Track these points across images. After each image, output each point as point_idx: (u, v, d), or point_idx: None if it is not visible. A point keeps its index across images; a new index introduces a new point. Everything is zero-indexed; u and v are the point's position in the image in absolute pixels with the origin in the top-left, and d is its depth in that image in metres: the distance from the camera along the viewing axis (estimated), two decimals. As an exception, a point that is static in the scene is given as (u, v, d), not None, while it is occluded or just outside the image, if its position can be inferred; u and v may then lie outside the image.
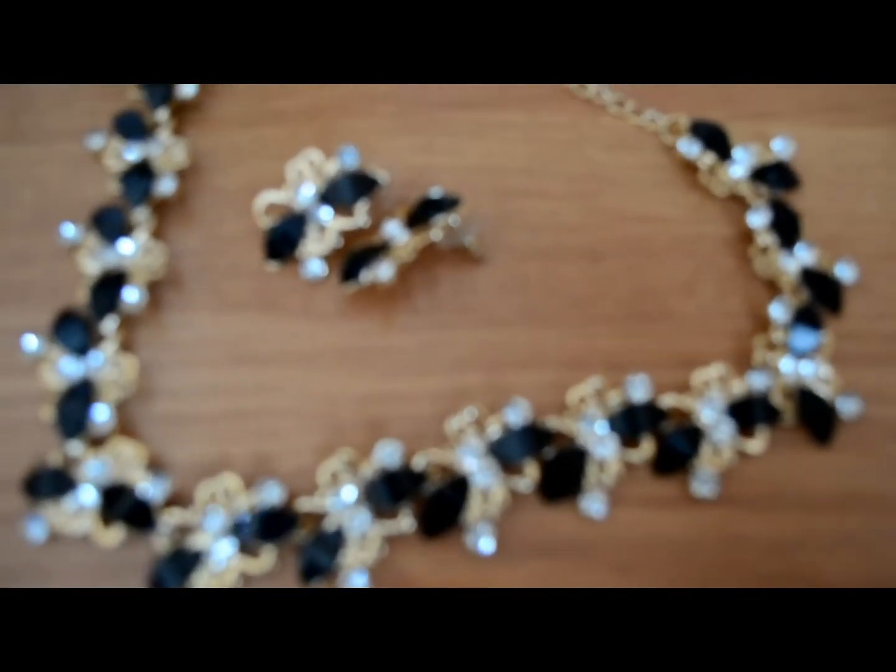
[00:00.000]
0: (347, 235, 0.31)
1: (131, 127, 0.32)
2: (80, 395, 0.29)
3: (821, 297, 0.32)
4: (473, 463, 0.28)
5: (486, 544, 0.28)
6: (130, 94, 0.34)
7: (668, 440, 0.30)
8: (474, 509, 0.28)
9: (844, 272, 0.33)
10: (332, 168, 0.31)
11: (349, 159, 0.31)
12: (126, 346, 0.30)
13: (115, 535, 0.27)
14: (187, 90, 0.33)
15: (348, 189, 0.30)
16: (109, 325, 0.30)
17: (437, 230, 0.30)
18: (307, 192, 0.31)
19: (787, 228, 0.33)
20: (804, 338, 0.31)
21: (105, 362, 0.29)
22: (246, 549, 0.27)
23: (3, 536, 0.28)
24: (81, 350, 0.29)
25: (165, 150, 0.32)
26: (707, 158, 0.34)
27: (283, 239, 0.31)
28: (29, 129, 0.34)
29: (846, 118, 0.36)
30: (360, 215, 0.30)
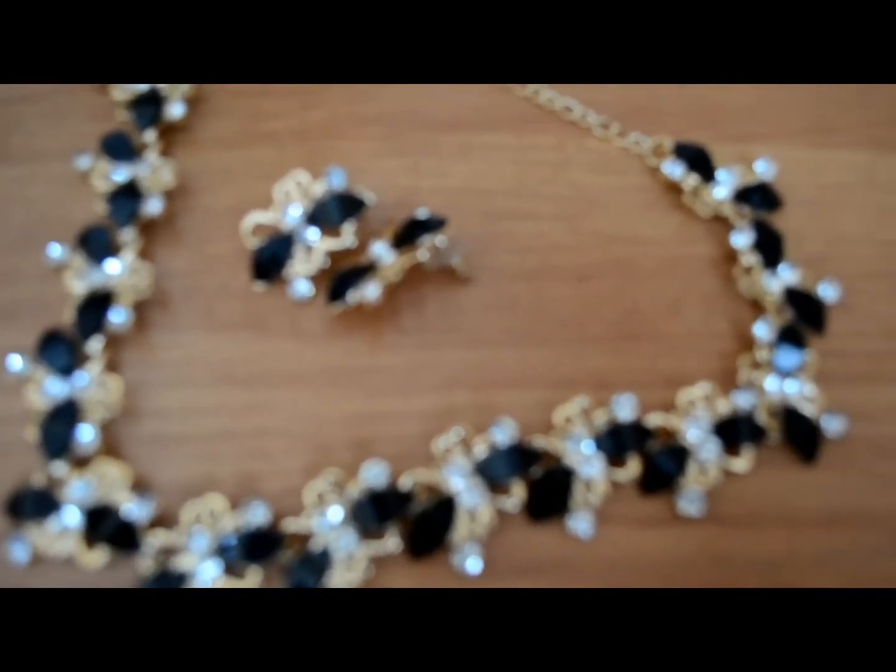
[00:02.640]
0: (334, 256, 0.31)
1: (119, 148, 0.33)
2: (64, 415, 0.29)
3: (804, 317, 0.32)
4: (460, 483, 0.28)
5: (473, 564, 0.28)
6: (118, 116, 0.34)
7: (654, 459, 0.30)
8: (461, 529, 0.28)
9: (827, 292, 0.33)
10: (320, 189, 0.31)
11: (336, 180, 0.31)
12: (112, 366, 0.30)
13: (99, 556, 0.27)
14: (176, 111, 0.33)
15: (335, 210, 0.31)
16: (95, 345, 0.30)
17: (423, 250, 0.30)
18: (294, 213, 0.31)
19: (770, 249, 0.33)
20: (788, 357, 0.31)
21: (90, 382, 0.29)
22: (231, 570, 0.27)
23: (-16, 557, 0.28)
24: (67, 370, 0.29)
25: (153, 170, 0.32)
26: (691, 180, 0.34)
27: (271, 259, 0.31)
28: (18, 149, 0.34)
29: (827, 140, 0.37)
30: (347, 236, 0.31)
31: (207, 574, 0.27)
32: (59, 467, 0.28)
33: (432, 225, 0.31)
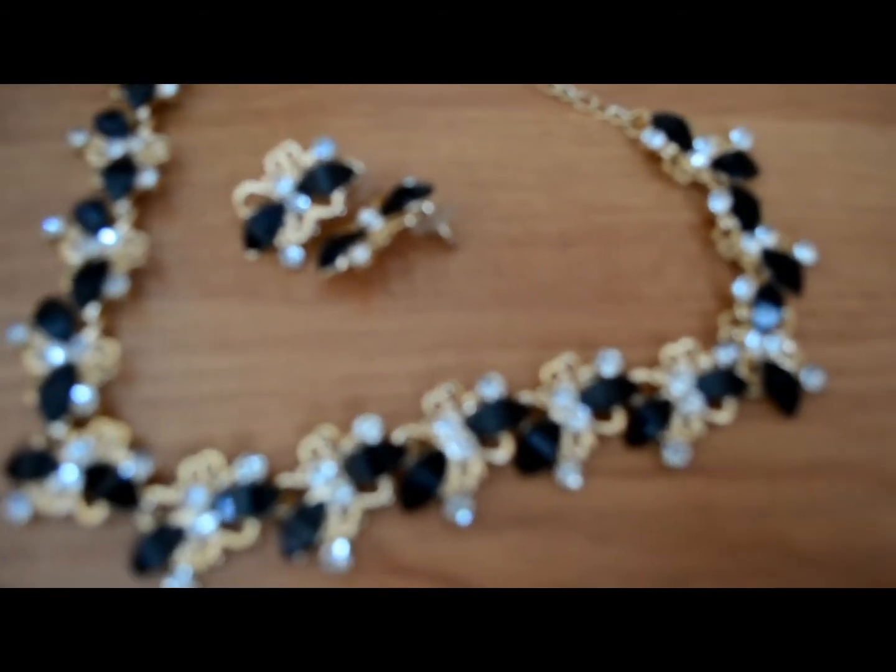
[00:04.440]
0: (324, 224, 0.32)
1: (113, 125, 0.33)
2: (63, 379, 0.29)
3: (782, 277, 0.33)
4: (451, 436, 0.29)
5: (463, 516, 0.28)
6: (112, 94, 0.35)
7: (638, 412, 0.30)
8: (452, 482, 0.29)
9: (804, 254, 0.34)
10: (309, 159, 0.32)
11: (325, 150, 0.32)
12: (108, 332, 0.31)
13: (98, 513, 0.28)
14: (167, 89, 0.34)
15: (325, 178, 0.32)
16: (91, 311, 0.30)
17: (411, 216, 0.31)
18: (285, 182, 0.32)
19: (747, 212, 0.34)
20: (767, 314, 0.32)
21: (87, 347, 0.30)
22: (228, 525, 0.28)
23: (-15, 518, 0.28)
24: (64, 336, 0.30)
25: (146, 145, 0.33)
26: (669, 149, 0.35)
27: (263, 228, 0.32)
28: (12, 129, 0.34)
29: (800, 112, 0.38)
30: (337, 204, 0.32)
31: (205, 528, 0.27)
32: (58, 428, 0.29)
33: (419, 192, 0.32)
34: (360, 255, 0.30)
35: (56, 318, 0.30)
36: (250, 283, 0.32)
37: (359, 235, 0.31)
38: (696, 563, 0.29)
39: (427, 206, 0.31)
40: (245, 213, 0.32)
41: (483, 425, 0.30)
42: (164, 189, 0.33)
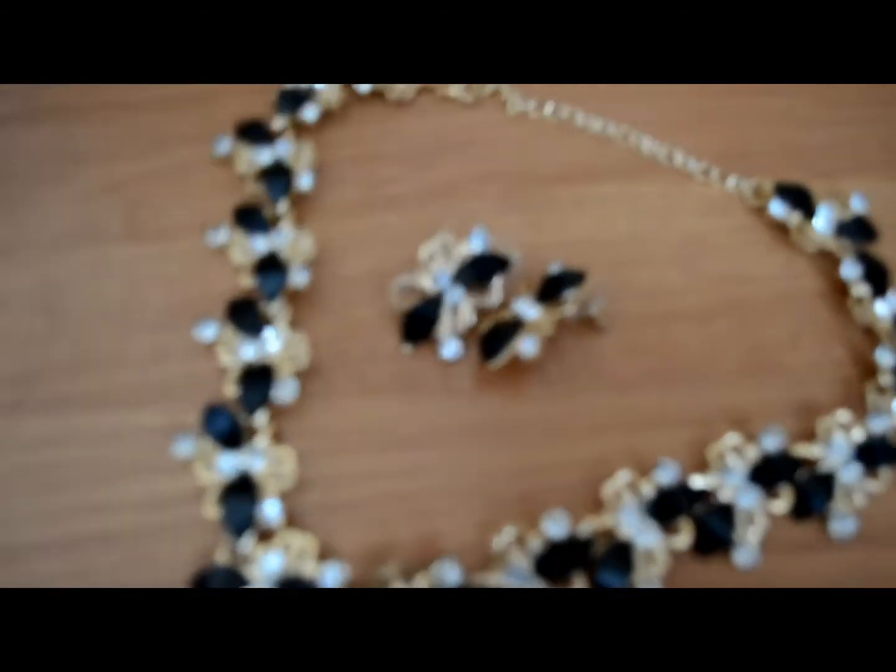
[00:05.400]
0: (480, 314, 0.32)
1: (253, 220, 0.33)
2: (244, 491, 0.29)
3: (917, 340, 0.34)
4: (634, 525, 0.29)
5: (653, 604, 0.29)
6: (247, 189, 0.35)
7: (804, 487, 0.31)
8: (640, 572, 0.29)
9: (932, 313, 0.35)
10: (464, 249, 0.32)
11: (480, 240, 0.32)
12: (276, 437, 0.30)
13: (296, 629, 0.27)
14: (304, 182, 0.34)
15: (482, 269, 0.32)
16: (261, 418, 0.30)
17: (571, 305, 0.31)
18: (442, 274, 0.32)
19: (877, 278, 0.35)
20: (912, 380, 0.33)
21: (262, 454, 0.29)
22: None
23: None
24: (235, 444, 0.30)
25: (293, 241, 0.33)
26: (794, 218, 0.36)
27: (420, 321, 0.32)
28: (148, 227, 0.34)
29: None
30: (496, 293, 0.32)
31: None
32: (246, 543, 0.28)
33: (573, 279, 0.32)
34: (528, 347, 0.30)
35: (224, 426, 0.30)
36: (410, 378, 0.32)
37: (517, 325, 0.31)
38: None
39: (586, 292, 0.31)
40: (401, 304, 0.32)
41: (664, 512, 0.30)
42: (312, 285, 0.33)
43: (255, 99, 0.37)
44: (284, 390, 0.30)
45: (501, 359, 0.31)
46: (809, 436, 0.32)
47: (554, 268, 0.33)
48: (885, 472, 0.32)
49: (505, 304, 0.33)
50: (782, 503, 0.31)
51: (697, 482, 0.31)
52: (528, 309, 0.32)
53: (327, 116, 0.37)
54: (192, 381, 0.31)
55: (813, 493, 0.31)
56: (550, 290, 0.32)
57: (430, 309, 0.32)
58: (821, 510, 0.31)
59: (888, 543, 0.31)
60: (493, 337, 0.31)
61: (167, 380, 0.31)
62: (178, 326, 0.32)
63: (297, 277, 0.32)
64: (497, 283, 0.32)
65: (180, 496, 0.30)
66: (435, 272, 0.32)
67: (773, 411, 0.33)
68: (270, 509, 0.29)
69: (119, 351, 0.32)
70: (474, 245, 0.32)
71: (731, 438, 0.31)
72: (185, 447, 0.30)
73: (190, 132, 0.36)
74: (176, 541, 0.29)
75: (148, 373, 0.31)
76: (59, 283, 0.33)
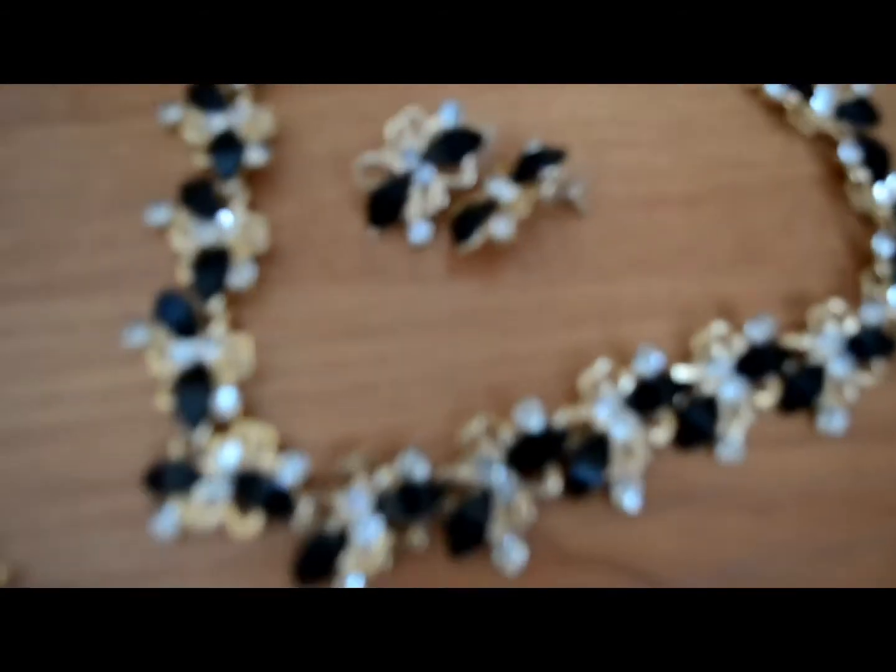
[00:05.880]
0: (451, 195, 0.30)
1: (207, 96, 0.31)
2: (198, 381, 0.27)
3: (917, 228, 0.32)
4: (612, 418, 0.28)
5: (631, 501, 0.27)
6: (202, 64, 0.32)
7: (793, 380, 0.29)
8: (617, 465, 0.28)
9: (936, 200, 0.33)
10: (434, 125, 0.30)
11: (451, 116, 0.30)
12: (235, 325, 0.29)
13: (253, 524, 0.26)
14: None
15: (454, 146, 0.29)
16: (217, 304, 0.28)
17: (549, 184, 0.29)
18: (410, 152, 0.29)
19: (877, 162, 0.33)
20: (910, 269, 0.31)
21: (218, 343, 0.28)
22: (394, 526, 0.26)
23: (131, 537, 0.26)
24: (190, 333, 0.28)
25: (250, 118, 0.30)
26: (792, 98, 0.34)
27: (387, 202, 0.30)
28: (95, 105, 0.32)
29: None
30: (468, 172, 0.29)
31: (370, 531, 0.26)
32: (201, 435, 0.27)
33: (552, 157, 0.30)
34: (502, 228, 0.28)
35: (178, 314, 0.28)
36: (377, 263, 0.30)
37: (491, 206, 0.29)
38: (862, 531, 0.28)
39: (562, 172, 0.29)
40: (366, 185, 0.30)
41: (643, 404, 0.28)
42: (271, 164, 0.31)
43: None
44: (241, 275, 0.28)
45: (474, 242, 0.29)
46: (800, 327, 0.31)
47: (532, 146, 0.31)
48: (878, 365, 0.30)
49: (479, 185, 0.30)
50: (769, 396, 0.29)
51: (680, 373, 0.29)
52: (503, 189, 0.30)
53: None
54: (144, 268, 0.29)
55: (802, 385, 0.30)
56: (527, 169, 0.30)
57: (398, 189, 0.30)
58: (809, 404, 0.29)
59: (879, 439, 0.29)
60: (466, 219, 0.29)
61: (118, 266, 0.29)
62: (128, 210, 0.30)
63: (255, 155, 0.30)
64: (470, 162, 0.30)
65: (133, 387, 0.28)
66: (403, 149, 0.30)
67: (762, 301, 0.31)
68: (226, 399, 0.27)
69: (66, 237, 0.30)
70: (445, 120, 0.30)
71: (718, 328, 0.30)
72: (137, 336, 0.28)
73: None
74: (129, 434, 0.27)
75: (97, 259, 0.29)
76: (1, 167, 0.31)
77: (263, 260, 0.29)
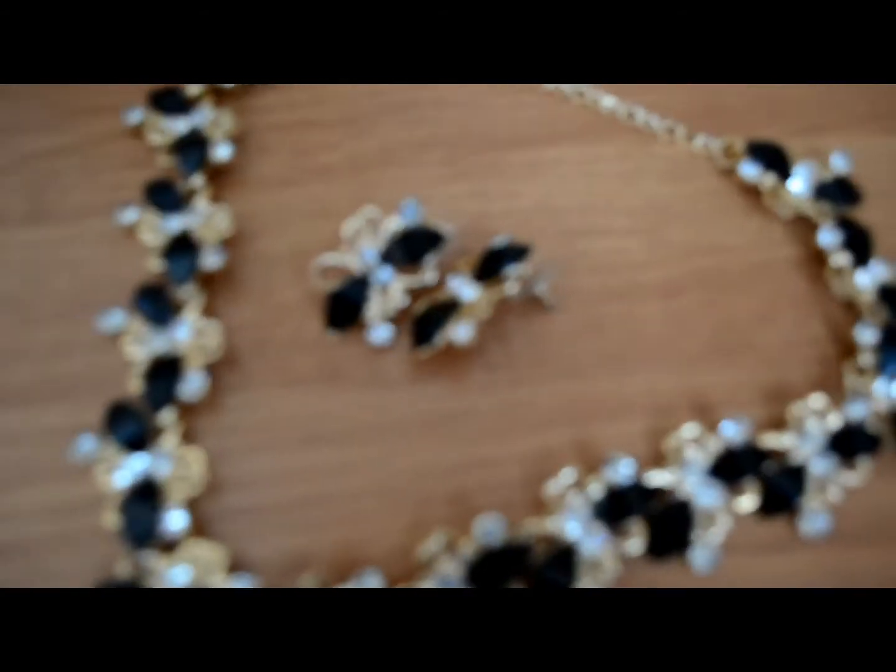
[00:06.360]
0: (412, 294, 0.29)
1: (165, 197, 0.30)
2: (146, 498, 0.26)
3: (901, 314, 0.31)
4: (578, 529, 0.27)
5: (600, 615, 0.26)
6: (159, 161, 0.31)
7: (772, 482, 0.28)
8: (584, 578, 0.26)
9: (919, 284, 0.31)
10: (393, 225, 0.29)
11: (411, 213, 0.29)
12: (187, 436, 0.28)
13: (201, 647, 0.25)
14: (222, 152, 0.31)
15: (413, 246, 0.29)
16: (168, 416, 0.27)
17: (512, 283, 0.28)
18: (368, 252, 0.29)
19: (858, 246, 0.32)
20: (894, 360, 0.30)
21: (168, 458, 0.27)
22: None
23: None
24: (139, 446, 0.27)
25: (206, 219, 0.30)
26: (768, 180, 0.33)
27: (345, 304, 0.29)
28: (53, 206, 0.31)
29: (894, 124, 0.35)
30: (429, 273, 0.29)
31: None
32: (149, 556, 0.26)
33: (515, 254, 0.29)
34: (462, 333, 0.27)
35: (128, 426, 0.27)
36: (336, 367, 0.29)
37: (452, 306, 0.28)
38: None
39: (527, 269, 0.28)
40: (324, 287, 0.29)
41: (613, 514, 0.27)
42: (227, 264, 0.30)
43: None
44: (192, 385, 0.27)
45: (432, 346, 0.28)
46: (780, 423, 0.29)
47: (497, 241, 0.30)
48: (863, 463, 0.29)
49: (442, 281, 0.29)
50: (747, 500, 0.28)
51: (653, 478, 0.28)
52: (464, 288, 0.29)
53: (252, 79, 0.34)
54: (97, 376, 0.29)
55: (782, 487, 0.28)
56: (490, 266, 0.29)
57: (357, 290, 0.29)
58: (791, 506, 0.28)
59: (865, 542, 0.28)
60: (426, 321, 0.28)
61: (69, 375, 0.29)
62: (83, 315, 0.29)
63: (210, 259, 0.29)
64: (430, 261, 0.29)
65: (82, 503, 0.27)
66: (361, 250, 0.29)
67: (741, 395, 0.30)
68: (175, 519, 0.26)
69: (17, 344, 0.29)
70: (404, 219, 0.29)
71: (690, 430, 0.28)
72: (85, 449, 0.27)
73: (103, 103, 0.33)
74: (75, 552, 0.27)
75: (49, 368, 0.29)
76: (-45, 270, 0.30)
77: (219, 365, 0.29)
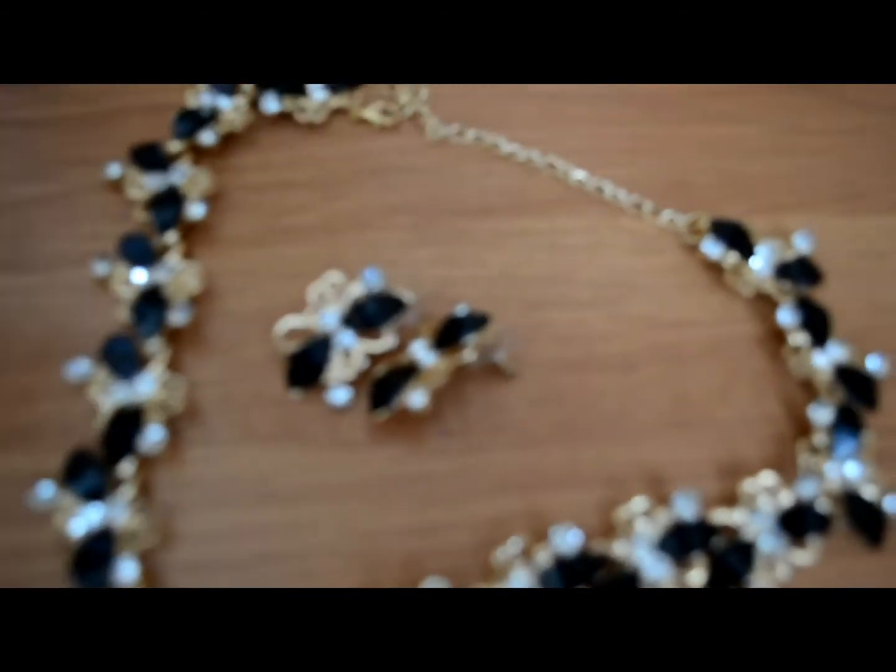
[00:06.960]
0: (373, 358, 0.30)
1: (138, 251, 0.31)
2: (100, 549, 0.27)
3: (857, 395, 0.31)
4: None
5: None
6: (136, 216, 0.32)
7: (721, 558, 0.28)
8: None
9: (876, 365, 0.32)
10: (356, 290, 0.30)
11: (373, 280, 0.30)
12: (145, 488, 0.28)
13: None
14: (196, 210, 0.32)
15: (374, 311, 0.29)
16: (127, 468, 0.28)
17: (470, 351, 0.29)
18: (330, 316, 0.29)
19: (817, 326, 0.32)
20: (847, 441, 0.30)
21: (125, 509, 0.27)
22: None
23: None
24: (98, 496, 0.27)
25: (176, 275, 0.30)
26: (730, 258, 0.33)
27: (307, 365, 0.29)
28: (28, 255, 0.32)
29: (860, 206, 0.36)
30: (388, 338, 0.29)
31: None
32: (97, 605, 0.26)
33: (475, 323, 0.29)
34: (417, 399, 0.28)
35: (88, 475, 0.28)
36: (296, 426, 0.30)
37: (411, 371, 0.29)
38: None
39: (485, 339, 0.29)
40: (287, 348, 0.30)
41: (560, 584, 0.27)
42: (195, 320, 0.31)
43: (159, 121, 0.35)
44: (151, 437, 0.28)
45: (389, 410, 0.28)
46: (732, 499, 0.30)
47: (459, 310, 0.30)
48: (813, 542, 0.29)
49: (403, 346, 0.30)
50: (696, 575, 0.28)
51: (601, 549, 0.28)
52: (424, 354, 0.29)
53: (231, 139, 0.35)
54: (61, 424, 0.29)
55: (731, 563, 0.28)
56: (450, 334, 0.30)
57: (318, 352, 0.30)
58: (739, 582, 0.28)
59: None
60: (384, 384, 0.29)
61: (34, 421, 0.29)
62: (50, 363, 0.30)
63: (177, 315, 0.30)
64: (390, 327, 0.29)
65: (38, 549, 0.27)
66: (323, 313, 0.29)
67: (695, 470, 0.30)
68: (126, 572, 0.26)
69: (-15, 390, 0.30)
70: (366, 285, 0.30)
71: (639, 503, 0.29)
72: (44, 497, 0.27)
73: (86, 154, 0.34)
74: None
75: (14, 414, 0.29)
76: (-72, 315, 0.31)
77: (181, 419, 0.29)
